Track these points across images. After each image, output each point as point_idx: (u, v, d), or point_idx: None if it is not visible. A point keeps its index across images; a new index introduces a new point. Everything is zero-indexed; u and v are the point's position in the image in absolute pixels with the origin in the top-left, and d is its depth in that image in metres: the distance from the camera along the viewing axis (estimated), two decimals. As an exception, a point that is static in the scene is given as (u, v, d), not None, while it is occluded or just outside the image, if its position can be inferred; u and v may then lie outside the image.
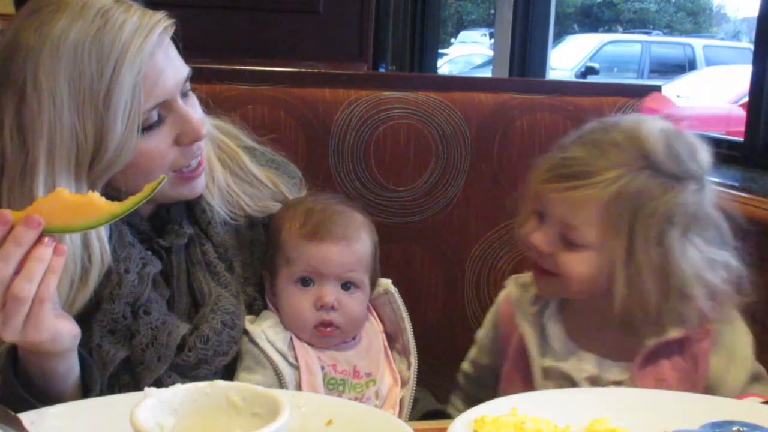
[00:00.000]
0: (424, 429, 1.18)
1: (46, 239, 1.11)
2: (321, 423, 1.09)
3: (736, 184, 2.08)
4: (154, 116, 1.31)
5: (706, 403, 1.20)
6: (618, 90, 2.06)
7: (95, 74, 1.24)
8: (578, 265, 1.42)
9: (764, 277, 1.81)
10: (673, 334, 1.43)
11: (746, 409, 1.18)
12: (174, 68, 1.33)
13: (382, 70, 5.88)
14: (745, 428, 0.78)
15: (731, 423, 0.80)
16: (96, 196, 1.14)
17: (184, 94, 1.36)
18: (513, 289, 1.59)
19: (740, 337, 1.48)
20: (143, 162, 1.31)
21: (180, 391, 0.96)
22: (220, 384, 0.98)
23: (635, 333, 1.44)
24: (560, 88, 2.05)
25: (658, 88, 2.09)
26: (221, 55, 2.79)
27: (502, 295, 1.64)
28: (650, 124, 1.45)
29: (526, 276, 1.58)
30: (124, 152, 1.28)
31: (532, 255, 1.48)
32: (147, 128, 1.30)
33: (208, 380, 1.01)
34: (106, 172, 1.29)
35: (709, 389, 1.41)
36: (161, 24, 1.30)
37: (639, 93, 2.05)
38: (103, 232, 1.31)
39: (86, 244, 1.28)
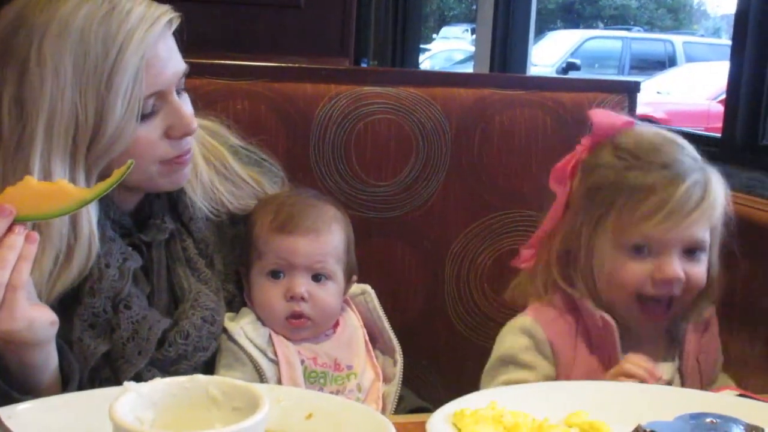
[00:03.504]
0: (404, 423, 1.18)
1: (18, 227, 1.12)
2: (301, 416, 1.09)
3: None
4: (149, 105, 1.32)
5: (682, 396, 1.22)
6: (598, 86, 2.07)
7: (100, 55, 1.26)
8: (702, 271, 1.52)
9: (744, 270, 1.84)
10: (707, 314, 1.58)
11: (720, 401, 1.19)
12: (174, 61, 1.35)
13: (363, 65, 5.88)
14: (718, 420, 0.80)
15: (705, 415, 0.81)
16: (65, 183, 1.15)
17: (178, 91, 1.37)
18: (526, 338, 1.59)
19: None
20: (134, 150, 1.31)
21: (159, 385, 0.96)
22: (200, 378, 0.98)
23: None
24: (540, 83, 2.07)
25: (637, 85, 2.10)
26: (201, 49, 2.77)
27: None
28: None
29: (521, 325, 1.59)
30: (122, 137, 1.29)
31: (660, 292, 1.50)
32: (142, 117, 1.31)
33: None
34: (103, 157, 1.30)
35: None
36: (166, 15, 1.32)
37: (619, 89, 2.06)
38: (93, 210, 1.31)
39: (73, 221, 1.29)
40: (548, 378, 1.53)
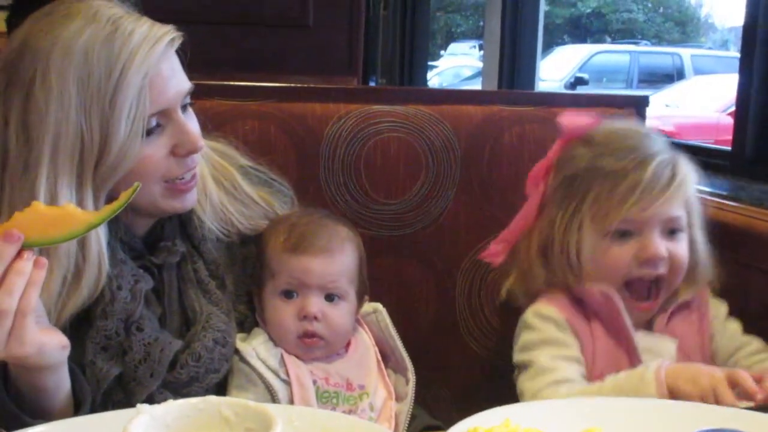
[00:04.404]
0: (417, 442, 1.18)
1: (26, 253, 1.13)
2: (316, 437, 1.09)
3: (724, 193, 2.08)
4: (153, 123, 1.33)
5: (698, 411, 1.21)
6: (606, 101, 2.07)
7: (103, 76, 1.27)
8: (683, 249, 1.59)
9: (757, 282, 1.83)
10: (686, 296, 1.64)
11: (735, 416, 1.19)
12: (177, 79, 1.36)
13: (372, 84, 5.90)
14: (734, 437, 0.79)
15: (723, 430, 0.80)
16: (72, 207, 1.16)
17: (183, 108, 1.38)
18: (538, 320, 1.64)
19: (718, 302, 1.71)
20: (139, 169, 1.32)
21: (172, 407, 0.97)
22: (213, 399, 0.99)
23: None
24: (549, 99, 2.07)
25: (646, 99, 2.10)
26: (210, 69, 2.79)
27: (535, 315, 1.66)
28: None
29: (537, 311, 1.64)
30: (127, 156, 1.30)
31: (646, 272, 1.58)
32: (146, 134, 1.32)
33: (200, 397, 1.02)
34: (109, 177, 1.31)
35: (711, 337, 1.66)
36: (169, 35, 1.34)
37: (627, 103, 2.07)
38: (102, 231, 1.32)
39: (82, 242, 1.30)
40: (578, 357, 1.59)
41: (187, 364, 1.38)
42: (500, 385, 1.88)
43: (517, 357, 1.65)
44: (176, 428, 0.96)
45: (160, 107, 1.33)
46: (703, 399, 1.33)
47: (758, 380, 1.39)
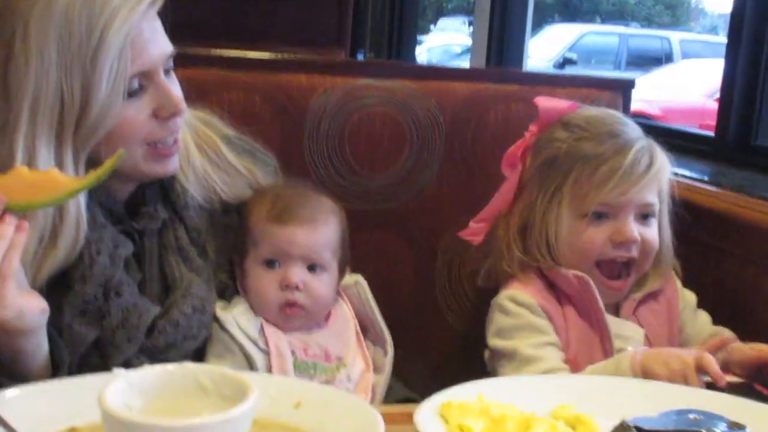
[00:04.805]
0: (392, 413, 1.19)
1: (8, 217, 1.13)
2: (289, 406, 1.10)
3: (706, 179, 2.10)
4: (135, 84, 1.33)
5: (667, 391, 1.23)
6: (592, 83, 2.08)
7: (84, 35, 1.26)
8: (655, 234, 1.64)
9: (734, 268, 1.85)
10: (654, 286, 1.69)
11: (705, 397, 1.21)
12: (159, 41, 1.35)
13: (360, 57, 5.86)
14: (701, 416, 0.81)
15: (688, 411, 0.82)
16: (56, 172, 1.16)
17: (166, 72, 1.38)
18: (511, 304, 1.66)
19: (688, 293, 1.75)
20: (121, 130, 1.32)
21: (149, 373, 0.97)
22: (189, 366, 0.99)
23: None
24: (535, 79, 2.08)
25: (632, 83, 2.10)
26: (196, 38, 2.77)
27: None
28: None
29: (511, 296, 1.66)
30: (108, 116, 1.29)
31: (618, 254, 1.62)
32: (128, 96, 1.32)
33: (178, 363, 1.02)
34: (90, 137, 1.30)
35: (681, 327, 1.71)
36: None
37: (613, 86, 2.07)
38: (81, 194, 1.31)
39: None
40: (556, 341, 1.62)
41: (165, 331, 1.39)
42: (478, 360, 1.90)
43: (494, 342, 1.67)
44: (152, 394, 0.96)
45: (141, 68, 1.32)
46: (673, 382, 1.35)
47: (720, 346, 1.46)
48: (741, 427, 0.80)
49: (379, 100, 1.89)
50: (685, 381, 1.35)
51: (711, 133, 2.53)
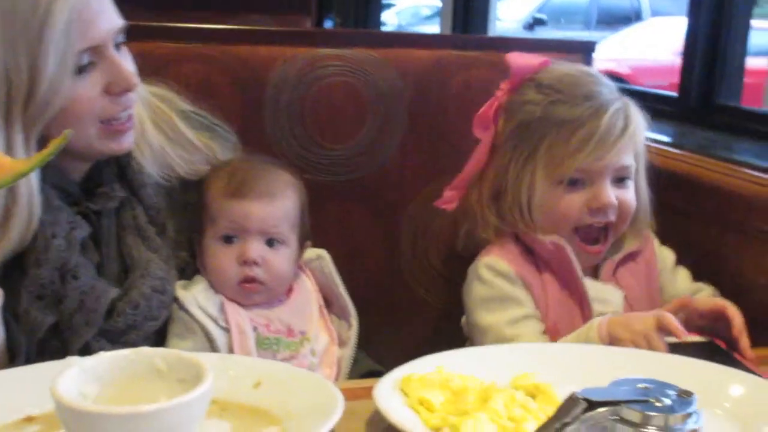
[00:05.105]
0: (354, 388, 1.19)
1: None
2: (249, 385, 1.10)
3: (669, 140, 2.11)
4: (85, 59, 1.30)
5: (625, 356, 1.24)
6: (554, 46, 2.07)
7: (29, 9, 1.23)
8: (632, 196, 1.62)
9: (697, 230, 1.86)
10: (632, 246, 1.67)
11: (660, 361, 1.23)
12: (108, 15, 1.32)
13: (330, 24, 5.80)
14: (651, 385, 0.81)
15: (638, 380, 0.83)
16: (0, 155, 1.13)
17: (116, 47, 1.35)
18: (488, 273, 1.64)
19: (666, 251, 1.74)
20: (73, 108, 1.30)
21: (104, 358, 0.96)
22: (145, 350, 0.98)
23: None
24: (497, 44, 2.05)
25: (593, 45, 2.09)
26: (157, 9, 2.73)
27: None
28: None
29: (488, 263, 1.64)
30: (58, 93, 1.27)
31: (596, 220, 1.60)
32: (78, 72, 1.29)
33: (138, 345, 1.01)
34: (40, 115, 1.27)
35: (662, 287, 1.70)
36: None
37: (575, 49, 2.06)
38: (33, 176, 1.29)
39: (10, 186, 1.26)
40: (534, 313, 1.60)
41: (125, 312, 1.37)
42: (445, 328, 1.91)
43: (472, 313, 1.65)
44: (108, 380, 0.95)
45: (90, 43, 1.29)
46: (636, 344, 1.36)
47: (681, 306, 1.47)
48: (689, 395, 0.80)
49: (339, 69, 1.87)
50: (648, 342, 1.36)
51: (674, 93, 2.53)
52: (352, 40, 1.93)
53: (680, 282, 1.72)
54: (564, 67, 1.69)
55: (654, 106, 1.87)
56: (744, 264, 1.76)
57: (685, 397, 0.81)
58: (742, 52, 2.39)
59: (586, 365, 1.19)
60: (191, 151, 1.54)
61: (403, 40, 2.06)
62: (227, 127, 1.64)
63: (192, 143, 1.54)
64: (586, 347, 1.32)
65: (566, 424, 0.78)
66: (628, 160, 1.60)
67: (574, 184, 1.59)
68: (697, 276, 1.72)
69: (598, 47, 2.10)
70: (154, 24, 1.82)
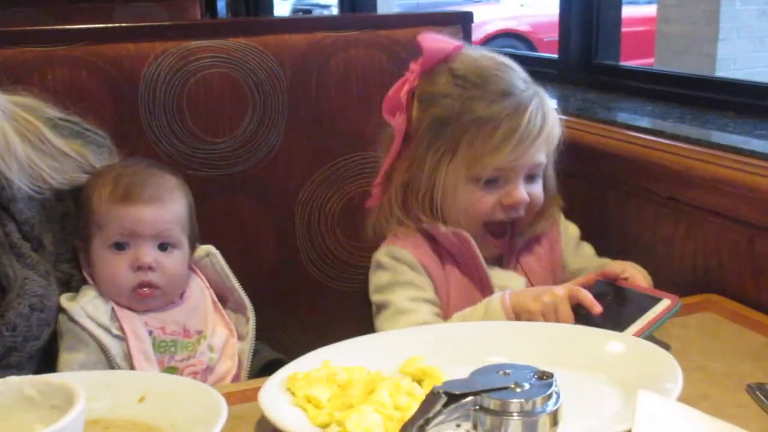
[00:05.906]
0: (243, 390, 1.19)
1: None
2: (133, 400, 1.08)
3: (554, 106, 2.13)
4: None
5: (514, 330, 1.26)
6: (432, 20, 2.05)
7: None
8: (541, 191, 1.62)
9: (580, 191, 1.90)
10: (537, 230, 1.67)
11: (544, 332, 1.25)
12: None
13: (222, 9, 5.68)
14: (510, 370, 0.83)
15: (498, 366, 0.84)
16: None
17: None
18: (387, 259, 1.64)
19: (571, 226, 1.76)
20: None
21: (-29, 392, 0.93)
22: (13, 380, 0.95)
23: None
24: (374, 22, 2.04)
25: (470, 15, 2.10)
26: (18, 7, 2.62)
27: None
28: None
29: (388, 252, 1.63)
30: None
31: (507, 216, 1.59)
32: None
33: (21, 367, 0.99)
34: None
35: (564, 264, 1.71)
36: None
37: (453, 21, 2.06)
38: None
39: None
40: (433, 299, 1.60)
41: (2, 335, 1.32)
42: (346, 312, 1.91)
43: (374, 297, 1.64)
44: (-24, 414, 0.92)
45: None
46: (545, 316, 1.37)
47: (588, 281, 1.49)
48: (549, 376, 0.82)
49: (214, 61, 1.83)
50: (557, 313, 1.37)
51: (554, 56, 2.56)
52: (224, 30, 1.88)
53: (584, 257, 1.73)
54: (478, 55, 1.65)
55: (537, 69, 1.89)
56: (626, 221, 1.81)
57: (544, 378, 0.82)
58: (617, 7, 2.43)
59: (473, 344, 1.21)
60: (62, 160, 1.49)
61: (275, 26, 2.01)
62: (101, 131, 1.60)
63: (62, 151, 1.49)
64: (473, 325, 1.33)
65: (429, 420, 0.79)
66: (542, 158, 1.59)
67: (488, 182, 1.57)
68: (584, 236, 1.76)
69: (497, 6, 2.10)
70: (15, 29, 1.74)
